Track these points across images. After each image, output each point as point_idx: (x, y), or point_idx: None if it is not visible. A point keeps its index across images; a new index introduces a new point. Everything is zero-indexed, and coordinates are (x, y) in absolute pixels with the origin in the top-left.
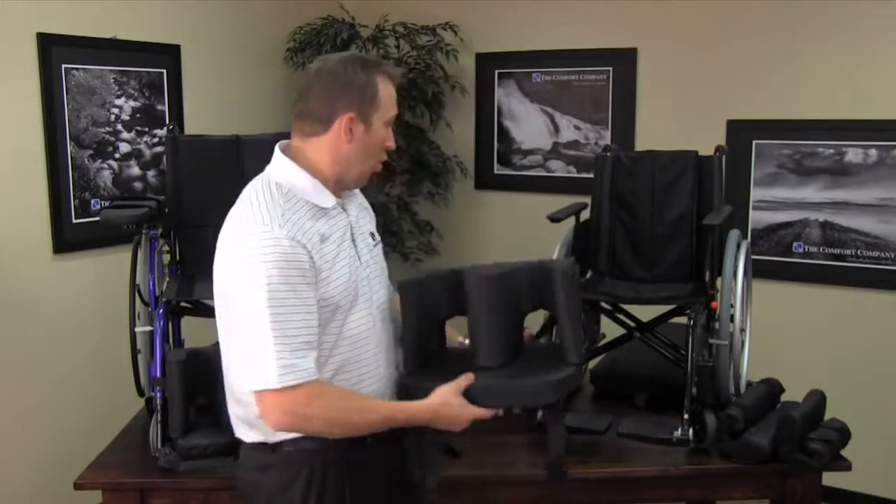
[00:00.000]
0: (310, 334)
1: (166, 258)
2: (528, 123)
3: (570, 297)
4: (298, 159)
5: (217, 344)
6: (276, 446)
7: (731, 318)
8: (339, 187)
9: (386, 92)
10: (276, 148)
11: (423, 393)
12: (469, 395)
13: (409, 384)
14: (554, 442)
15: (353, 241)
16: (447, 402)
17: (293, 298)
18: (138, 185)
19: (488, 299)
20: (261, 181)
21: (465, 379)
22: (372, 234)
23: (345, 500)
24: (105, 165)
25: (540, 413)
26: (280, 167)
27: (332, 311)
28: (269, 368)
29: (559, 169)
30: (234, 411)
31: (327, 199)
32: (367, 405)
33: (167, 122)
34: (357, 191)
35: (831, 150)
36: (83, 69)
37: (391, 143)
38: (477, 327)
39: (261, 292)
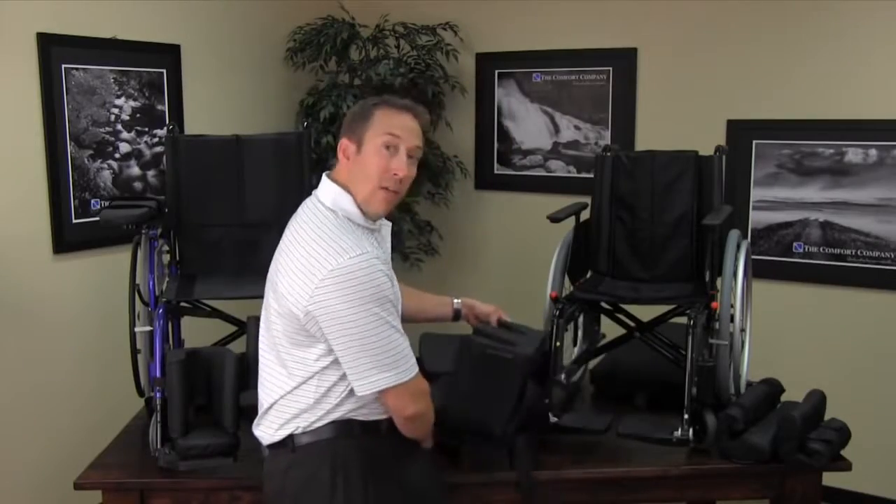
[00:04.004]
0: None
1: (166, 258)
2: (528, 123)
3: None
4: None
5: (216, 345)
6: (295, 444)
7: (731, 318)
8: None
9: (383, 117)
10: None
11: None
12: None
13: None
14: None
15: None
16: None
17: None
18: (138, 185)
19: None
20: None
21: None
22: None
23: (367, 488)
24: (105, 165)
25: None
26: (330, 192)
27: None
28: (407, 364)
29: (559, 169)
30: (279, 410)
31: (370, 222)
32: None
33: (167, 122)
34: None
35: (831, 150)
36: (83, 69)
37: (397, 170)
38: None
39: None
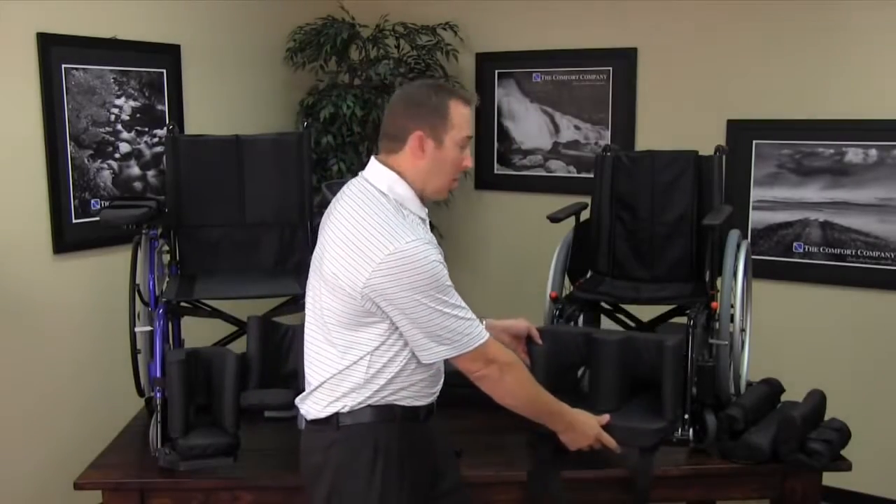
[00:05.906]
0: None
1: (166, 258)
2: (528, 123)
3: (675, 371)
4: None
5: (216, 345)
6: (339, 423)
7: (731, 318)
8: (421, 200)
9: (458, 113)
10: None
11: None
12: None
13: None
14: (642, 476)
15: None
16: (588, 420)
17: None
18: (138, 185)
19: (611, 358)
20: (370, 191)
21: (604, 418)
22: None
23: (404, 471)
24: (105, 165)
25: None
26: (385, 177)
27: None
28: (468, 337)
29: (559, 169)
30: (329, 388)
31: (422, 210)
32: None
33: (167, 122)
34: None
35: (831, 150)
36: (83, 69)
37: (468, 163)
38: (599, 378)
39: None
